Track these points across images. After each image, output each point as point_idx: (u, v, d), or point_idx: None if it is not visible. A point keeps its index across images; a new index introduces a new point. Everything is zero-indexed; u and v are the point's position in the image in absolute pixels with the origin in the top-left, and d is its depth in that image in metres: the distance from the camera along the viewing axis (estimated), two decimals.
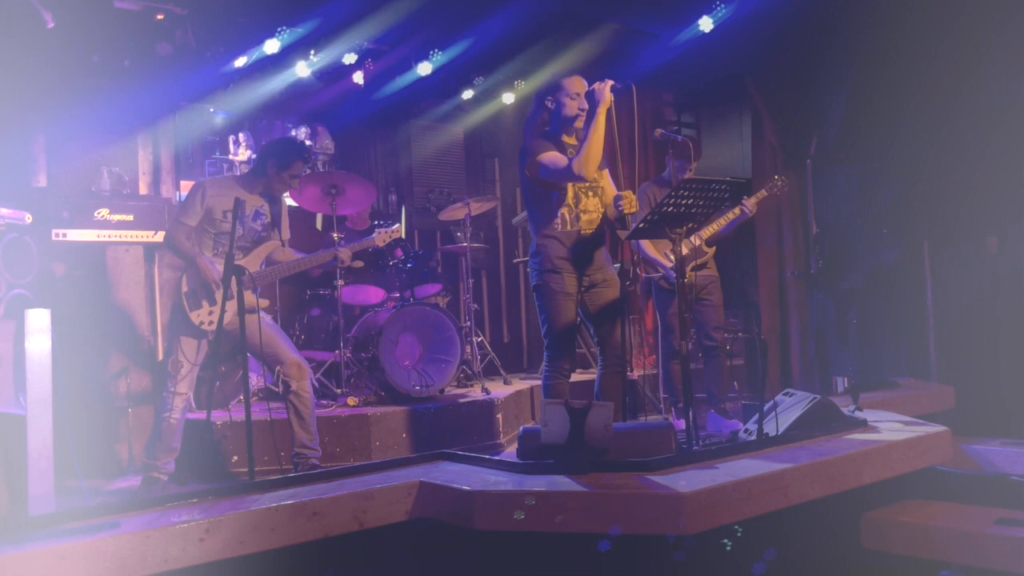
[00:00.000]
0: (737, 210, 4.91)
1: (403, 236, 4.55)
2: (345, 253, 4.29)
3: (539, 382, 5.95)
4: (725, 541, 2.76)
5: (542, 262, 3.84)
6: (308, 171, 6.81)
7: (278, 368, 4.03)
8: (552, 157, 3.76)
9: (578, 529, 2.87)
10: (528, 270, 7.61)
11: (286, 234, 4.25)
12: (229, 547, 2.72)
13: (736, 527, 2.78)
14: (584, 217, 3.83)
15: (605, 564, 2.92)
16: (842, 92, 6.11)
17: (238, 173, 5.43)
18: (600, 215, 3.88)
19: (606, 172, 3.98)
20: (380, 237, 4.45)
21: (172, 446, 3.95)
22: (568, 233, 3.81)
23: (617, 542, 2.81)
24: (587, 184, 3.81)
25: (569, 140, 3.87)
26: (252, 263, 4.03)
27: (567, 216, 3.82)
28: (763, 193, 4.99)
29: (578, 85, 3.83)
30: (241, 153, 6.53)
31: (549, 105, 3.88)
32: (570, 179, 3.74)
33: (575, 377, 3.96)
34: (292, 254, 4.26)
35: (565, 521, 2.87)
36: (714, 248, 5.04)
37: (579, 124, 3.80)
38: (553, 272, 3.81)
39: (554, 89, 3.88)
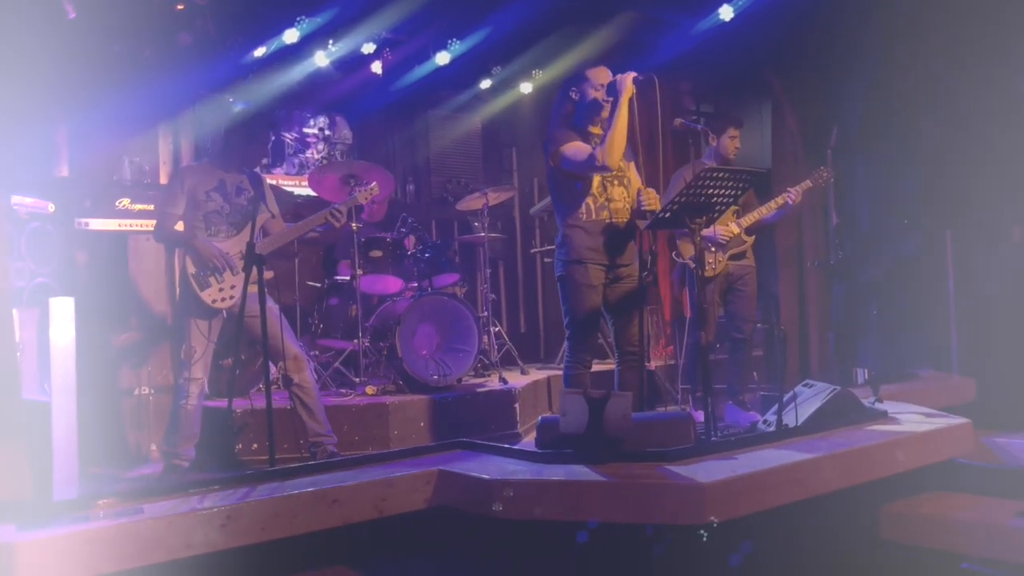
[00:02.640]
0: (781, 199, 4.87)
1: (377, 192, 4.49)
2: (340, 210, 4.23)
3: (557, 372, 6.00)
4: (701, 532, 2.75)
5: (567, 253, 3.84)
6: (318, 153, 6.83)
7: (280, 363, 4.05)
8: (575, 147, 3.76)
9: (596, 518, 2.87)
10: (545, 261, 7.68)
11: (273, 207, 4.26)
12: (250, 533, 2.74)
13: (712, 519, 2.76)
14: (611, 206, 3.82)
15: (622, 552, 2.92)
16: (864, 81, 6.04)
17: None
18: (628, 204, 3.86)
19: (632, 164, 3.97)
20: (362, 195, 4.42)
21: (191, 432, 3.99)
22: (594, 222, 3.81)
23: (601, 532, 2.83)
24: (613, 173, 3.81)
25: (594, 130, 3.85)
26: (247, 238, 4.04)
27: (592, 205, 3.81)
28: (808, 184, 4.94)
29: (603, 76, 3.82)
30: None
31: (574, 96, 3.88)
32: (594, 169, 3.74)
33: (594, 367, 3.97)
34: (284, 225, 4.27)
35: (583, 510, 2.88)
36: (753, 237, 4.99)
37: (604, 114, 3.78)
38: (577, 263, 3.81)
39: (579, 80, 3.87)
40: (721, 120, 4.91)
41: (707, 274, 4.84)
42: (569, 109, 3.91)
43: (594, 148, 3.71)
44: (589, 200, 3.81)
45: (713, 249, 4.83)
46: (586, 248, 3.80)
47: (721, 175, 3.47)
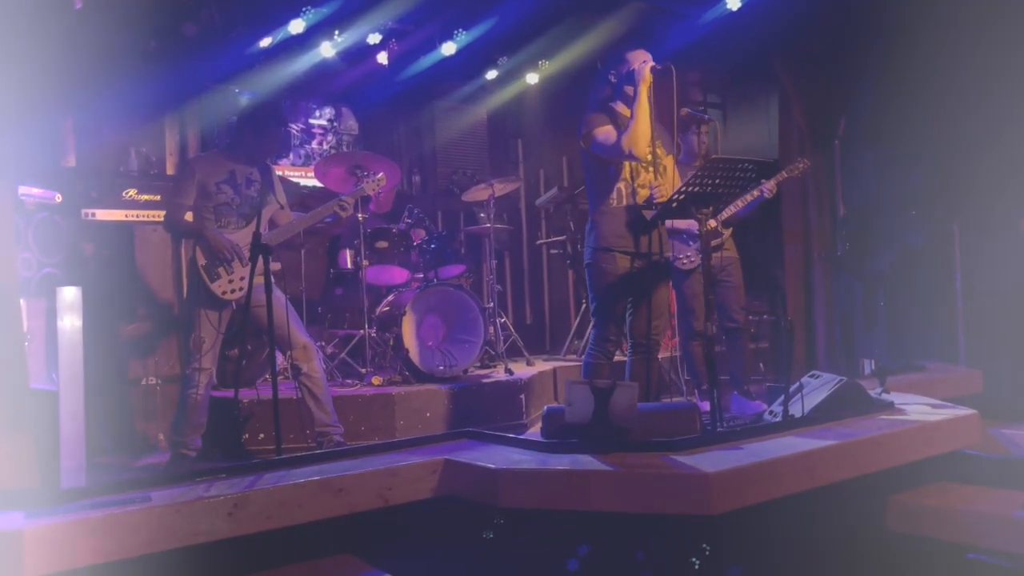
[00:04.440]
0: (755, 192, 4.87)
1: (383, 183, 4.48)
2: (347, 201, 4.23)
3: (562, 363, 6.00)
4: (693, 560, 2.76)
5: (595, 240, 3.85)
6: (324, 144, 6.83)
7: (289, 352, 4.05)
8: (605, 132, 3.78)
9: (602, 508, 2.87)
10: (551, 252, 7.67)
11: (281, 198, 4.26)
12: (257, 521, 2.75)
13: (705, 546, 2.77)
14: (642, 192, 3.82)
15: (630, 543, 2.92)
16: (872, 72, 6.01)
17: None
18: (660, 192, 3.86)
19: (671, 156, 3.97)
20: (370, 186, 4.41)
21: (198, 422, 4.00)
22: (623, 209, 3.81)
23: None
24: (645, 161, 3.81)
25: (621, 110, 3.85)
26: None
27: (623, 191, 3.82)
28: (783, 175, 4.93)
29: (642, 58, 3.83)
30: None
31: (612, 79, 3.88)
32: (620, 156, 3.75)
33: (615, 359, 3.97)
34: (292, 216, 4.27)
35: (589, 500, 2.88)
36: (731, 229, 5.00)
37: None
38: (605, 251, 3.81)
39: (618, 62, 3.88)
40: (687, 119, 4.89)
41: (687, 267, 4.85)
42: (608, 93, 3.91)
43: (619, 136, 3.71)
44: (620, 185, 3.82)
45: (691, 243, 4.85)
46: (614, 236, 3.80)
47: (728, 166, 3.46)
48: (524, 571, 3.04)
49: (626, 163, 3.81)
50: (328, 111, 7.12)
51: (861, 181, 6.18)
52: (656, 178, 3.87)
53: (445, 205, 7.70)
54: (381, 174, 4.52)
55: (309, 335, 4.21)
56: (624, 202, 3.82)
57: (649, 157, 3.84)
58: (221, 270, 3.97)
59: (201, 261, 3.96)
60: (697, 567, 2.75)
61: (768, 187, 4.85)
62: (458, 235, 6.85)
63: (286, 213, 4.26)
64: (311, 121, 7.13)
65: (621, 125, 3.80)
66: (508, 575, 3.05)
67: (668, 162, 3.95)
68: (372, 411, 4.59)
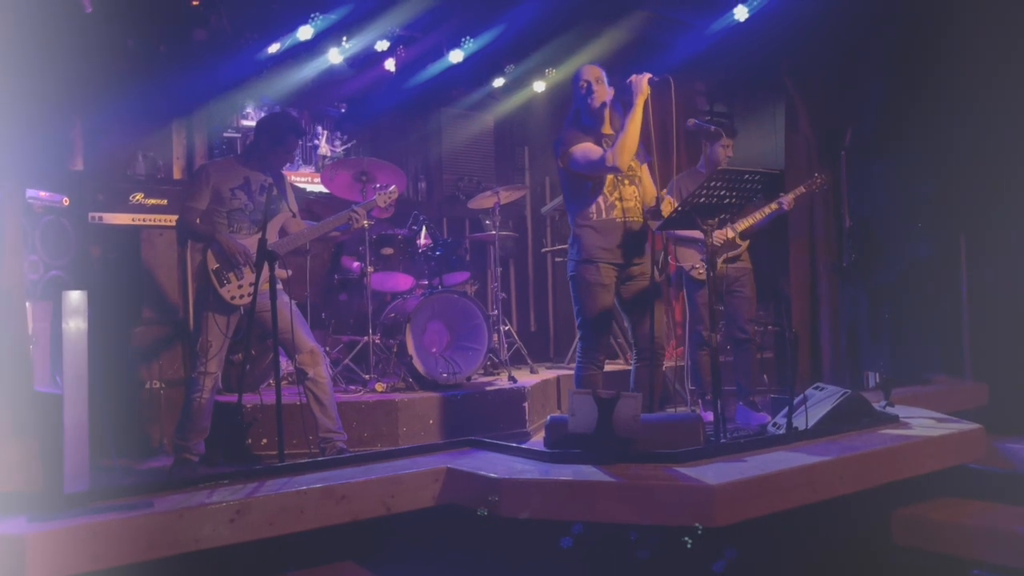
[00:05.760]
0: (774, 205, 4.90)
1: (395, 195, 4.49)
2: (360, 212, 4.24)
3: (566, 371, 6.00)
4: (686, 539, 2.74)
5: (578, 252, 3.86)
6: (331, 150, 6.84)
7: (295, 357, 4.05)
8: (584, 149, 3.78)
9: (604, 519, 2.87)
10: (556, 260, 7.67)
11: (293, 206, 4.27)
12: (259, 528, 2.75)
13: (697, 526, 2.75)
14: (620, 205, 3.82)
15: (631, 553, 2.91)
16: (879, 83, 6.00)
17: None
18: (639, 204, 3.87)
19: (646, 166, 3.98)
20: (381, 198, 4.43)
21: (202, 426, 4.00)
22: (604, 222, 3.82)
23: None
24: (624, 173, 3.81)
25: (607, 131, 3.86)
26: (268, 236, 4.05)
27: (602, 204, 3.83)
28: (801, 189, 4.96)
29: (590, 72, 3.86)
30: None
31: (575, 96, 3.93)
32: (604, 170, 3.75)
33: (607, 367, 3.97)
34: (303, 224, 4.28)
35: (590, 510, 2.87)
36: (747, 241, 5.01)
37: (595, 105, 3.82)
38: (587, 263, 3.82)
39: (574, 79, 3.92)
40: (696, 129, 4.91)
41: (701, 277, 4.85)
42: (576, 110, 3.94)
43: (605, 150, 3.71)
44: (600, 199, 3.83)
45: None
46: (597, 247, 3.80)
47: (734, 176, 3.46)
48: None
49: (607, 177, 3.81)
50: (335, 117, 7.15)
51: (867, 192, 6.17)
52: (638, 189, 3.88)
53: (451, 212, 7.71)
54: (393, 187, 4.53)
55: (316, 340, 4.21)
56: (604, 215, 3.83)
57: (634, 169, 3.86)
58: (231, 275, 3.98)
59: (212, 265, 3.97)
60: (690, 545, 2.74)
61: (787, 201, 4.89)
62: (463, 242, 6.85)
63: (298, 221, 4.27)
64: (318, 127, 7.15)
65: (602, 143, 3.80)
66: None
67: (643, 172, 3.97)
68: (375, 417, 4.59)
